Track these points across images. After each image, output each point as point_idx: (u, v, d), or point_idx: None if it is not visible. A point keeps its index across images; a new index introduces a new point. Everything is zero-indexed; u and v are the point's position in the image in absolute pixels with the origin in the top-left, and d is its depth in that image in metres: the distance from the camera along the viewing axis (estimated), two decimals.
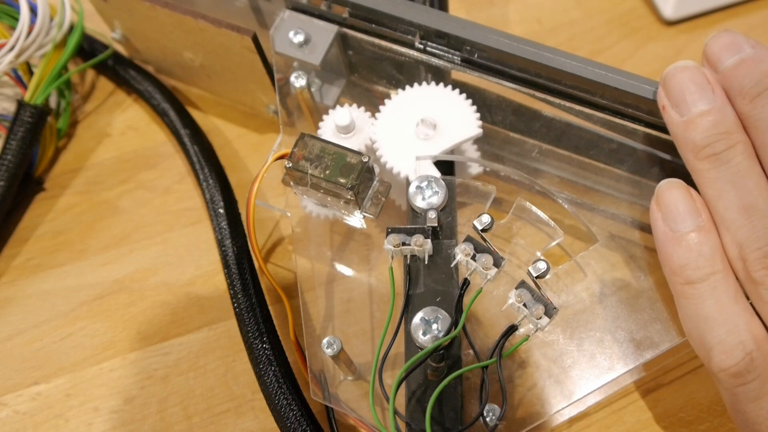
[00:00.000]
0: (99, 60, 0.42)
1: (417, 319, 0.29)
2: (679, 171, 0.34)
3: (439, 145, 0.33)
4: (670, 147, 0.33)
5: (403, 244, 0.29)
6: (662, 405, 0.33)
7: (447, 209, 0.31)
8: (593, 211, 0.36)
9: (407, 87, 0.34)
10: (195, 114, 0.42)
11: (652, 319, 0.33)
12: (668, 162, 0.34)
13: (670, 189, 0.28)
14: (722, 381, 0.26)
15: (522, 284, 0.28)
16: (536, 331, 0.28)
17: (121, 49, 0.44)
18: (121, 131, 0.43)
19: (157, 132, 0.43)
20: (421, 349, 0.29)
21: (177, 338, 0.36)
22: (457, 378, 0.29)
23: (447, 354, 0.29)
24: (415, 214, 0.31)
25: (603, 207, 0.36)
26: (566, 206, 0.32)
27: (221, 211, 0.37)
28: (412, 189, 0.31)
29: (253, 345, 0.33)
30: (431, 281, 0.30)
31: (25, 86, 0.40)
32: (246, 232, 0.36)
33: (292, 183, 0.32)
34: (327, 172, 0.30)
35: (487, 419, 0.29)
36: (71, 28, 0.40)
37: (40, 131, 0.39)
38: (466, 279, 0.29)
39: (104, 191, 0.41)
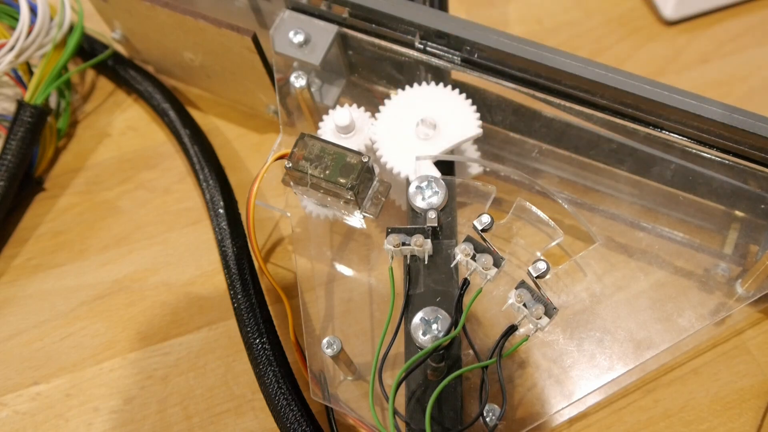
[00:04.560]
0: (99, 60, 0.42)
1: (417, 319, 0.29)
2: (679, 171, 0.34)
3: (439, 145, 0.33)
4: (669, 147, 0.33)
5: (403, 244, 0.29)
6: (662, 405, 0.33)
7: (447, 209, 0.31)
8: (593, 211, 0.36)
9: (407, 87, 0.34)
10: (195, 114, 0.42)
11: (652, 319, 0.33)
12: (668, 162, 0.34)
13: None
14: None
15: (522, 284, 0.28)
16: (536, 331, 0.28)
17: (121, 49, 0.44)
18: (121, 131, 0.43)
19: (157, 132, 0.43)
20: (421, 349, 0.29)
21: (177, 338, 0.36)
22: (457, 378, 0.29)
23: (447, 354, 0.29)
24: (415, 214, 0.31)
25: (603, 207, 0.36)
26: (566, 206, 0.32)
27: (221, 211, 0.37)
28: (412, 189, 0.31)
29: (253, 345, 0.33)
30: (431, 281, 0.30)
31: (25, 86, 0.40)
32: (246, 232, 0.36)
33: (292, 183, 0.32)
34: (327, 172, 0.30)
35: (487, 419, 0.29)
36: (71, 28, 0.40)
37: (40, 131, 0.39)
38: (466, 279, 0.29)
39: (104, 191, 0.41)
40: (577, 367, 0.32)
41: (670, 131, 0.33)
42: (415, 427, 0.28)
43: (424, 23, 0.34)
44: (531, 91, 0.34)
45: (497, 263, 0.28)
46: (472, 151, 0.36)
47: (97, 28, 0.43)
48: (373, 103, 0.36)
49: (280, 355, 0.33)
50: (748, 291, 0.33)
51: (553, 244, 0.32)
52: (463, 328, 0.28)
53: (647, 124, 0.33)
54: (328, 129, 0.34)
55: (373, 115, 0.34)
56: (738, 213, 0.34)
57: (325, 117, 0.34)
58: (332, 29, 0.35)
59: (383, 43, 0.35)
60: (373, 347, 0.34)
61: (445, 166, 0.33)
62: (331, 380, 0.32)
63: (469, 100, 0.33)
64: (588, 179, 0.36)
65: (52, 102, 0.42)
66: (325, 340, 0.30)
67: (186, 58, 0.40)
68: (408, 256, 0.30)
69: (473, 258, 0.28)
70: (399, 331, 0.29)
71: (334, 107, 0.36)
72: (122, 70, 0.43)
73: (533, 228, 0.33)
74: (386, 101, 0.34)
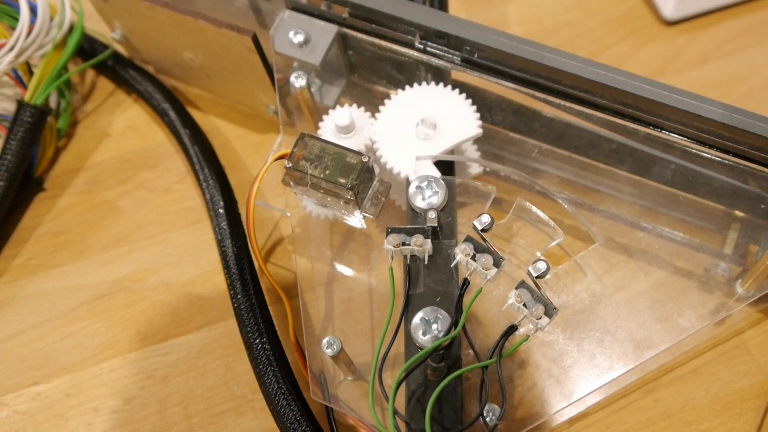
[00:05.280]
0: (99, 60, 0.42)
1: (417, 319, 0.29)
2: (679, 171, 0.34)
3: (439, 145, 0.33)
4: (669, 147, 0.33)
5: (403, 244, 0.29)
6: (662, 405, 0.33)
7: (447, 209, 0.31)
8: (593, 211, 0.36)
9: (407, 87, 0.34)
10: (195, 114, 0.42)
11: (652, 319, 0.33)
12: (668, 162, 0.34)
13: None
14: None
15: (522, 284, 0.28)
16: (536, 331, 0.28)
17: (121, 49, 0.44)
18: (121, 131, 0.43)
19: (157, 132, 0.43)
20: (421, 349, 0.29)
21: (177, 338, 0.36)
22: (457, 378, 0.29)
23: (447, 354, 0.29)
24: (415, 214, 0.31)
25: (603, 207, 0.36)
26: (566, 206, 0.32)
27: (221, 211, 0.37)
28: (412, 189, 0.31)
29: (253, 345, 0.33)
30: (431, 281, 0.30)
31: (25, 86, 0.40)
32: (246, 232, 0.36)
33: (292, 183, 0.32)
34: (327, 172, 0.30)
35: (487, 419, 0.29)
36: (71, 28, 0.40)
37: (40, 131, 0.39)
38: (466, 279, 0.29)
39: (104, 191, 0.41)
40: (577, 367, 0.32)
41: (670, 131, 0.33)
42: (415, 427, 0.28)
43: (424, 23, 0.34)
44: (531, 91, 0.34)
45: (497, 263, 0.28)
46: (472, 151, 0.36)
47: (97, 28, 0.43)
48: (373, 103, 0.36)
49: (280, 355, 0.33)
50: (748, 291, 0.33)
51: (553, 244, 0.32)
52: (463, 328, 0.28)
53: (647, 124, 0.33)
54: (328, 129, 0.34)
55: (373, 115, 0.34)
56: (738, 213, 0.34)
57: (325, 117, 0.34)
58: (332, 29, 0.35)
59: (383, 43, 0.35)
60: (373, 347, 0.34)
61: (445, 166, 0.33)
62: (331, 380, 0.32)
63: (469, 100, 0.33)
64: (588, 179, 0.36)
65: (52, 102, 0.42)
66: (325, 340, 0.30)
67: (186, 58, 0.40)
68: (408, 256, 0.30)
69: (473, 258, 0.28)
70: (399, 331, 0.29)
71: (334, 107, 0.36)
72: (122, 70, 0.43)
73: (533, 228, 0.33)
74: (386, 101, 0.34)
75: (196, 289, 0.37)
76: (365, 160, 0.30)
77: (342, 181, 0.30)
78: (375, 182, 0.32)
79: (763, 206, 0.33)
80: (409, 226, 0.29)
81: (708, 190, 0.34)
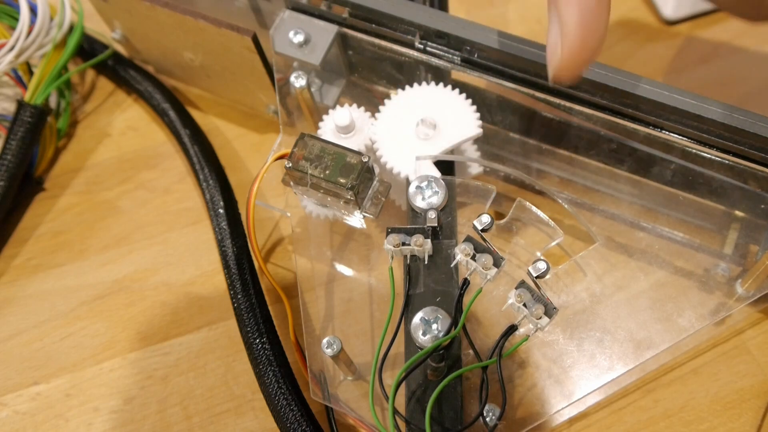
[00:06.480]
0: (99, 60, 0.42)
1: (417, 319, 0.29)
2: (679, 171, 0.34)
3: (439, 145, 0.33)
4: (669, 147, 0.33)
5: (403, 244, 0.29)
6: (662, 405, 0.33)
7: (447, 209, 0.31)
8: (593, 211, 0.36)
9: (407, 87, 0.34)
10: (195, 114, 0.42)
11: (652, 319, 0.33)
12: (668, 162, 0.34)
13: None
14: None
15: (522, 284, 0.28)
16: (536, 331, 0.28)
17: (121, 49, 0.44)
18: (121, 131, 0.43)
19: (157, 132, 0.43)
20: (421, 349, 0.29)
21: (177, 338, 0.36)
22: (457, 378, 0.29)
23: (447, 354, 0.29)
24: (415, 214, 0.31)
25: (603, 207, 0.36)
26: (566, 206, 0.32)
27: (221, 211, 0.37)
28: (412, 189, 0.31)
29: (253, 345, 0.33)
30: (431, 281, 0.30)
31: (25, 86, 0.40)
32: (246, 232, 0.36)
33: (292, 183, 0.32)
34: (327, 172, 0.30)
35: (487, 419, 0.29)
36: (71, 28, 0.40)
37: (40, 131, 0.39)
38: (466, 279, 0.29)
39: (104, 191, 0.41)
40: (577, 367, 0.32)
41: (670, 131, 0.33)
42: (415, 426, 0.28)
43: (424, 23, 0.34)
44: (531, 91, 0.34)
45: (497, 263, 0.28)
46: (472, 151, 0.36)
47: (97, 28, 0.43)
48: (373, 103, 0.36)
49: (280, 355, 0.33)
50: (748, 291, 0.33)
51: (553, 244, 0.32)
52: (463, 328, 0.28)
53: (647, 124, 0.33)
54: (328, 129, 0.34)
55: (373, 115, 0.34)
56: (738, 213, 0.34)
57: (325, 117, 0.34)
58: (332, 29, 0.35)
59: (383, 43, 0.35)
60: (373, 347, 0.34)
61: (445, 166, 0.33)
62: (331, 380, 0.32)
63: (469, 100, 0.33)
64: (588, 179, 0.36)
65: (52, 102, 0.42)
66: (325, 340, 0.30)
67: (186, 58, 0.40)
68: (408, 256, 0.30)
69: (473, 258, 0.28)
70: (399, 331, 0.29)
71: (334, 107, 0.36)
72: (122, 70, 0.43)
73: (533, 228, 0.33)
74: (386, 101, 0.34)
75: (196, 289, 0.37)
76: (365, 160, 0.30)
77: (342, 181, 0.30)
78: (375, 182, 0.32)
79: (763, 206, 0.33)
80: (409, 226, 0.29)
81: (708, 190, 0.34)
